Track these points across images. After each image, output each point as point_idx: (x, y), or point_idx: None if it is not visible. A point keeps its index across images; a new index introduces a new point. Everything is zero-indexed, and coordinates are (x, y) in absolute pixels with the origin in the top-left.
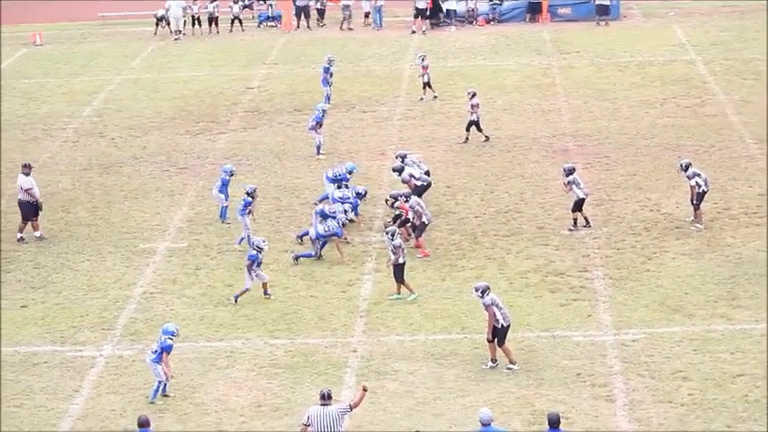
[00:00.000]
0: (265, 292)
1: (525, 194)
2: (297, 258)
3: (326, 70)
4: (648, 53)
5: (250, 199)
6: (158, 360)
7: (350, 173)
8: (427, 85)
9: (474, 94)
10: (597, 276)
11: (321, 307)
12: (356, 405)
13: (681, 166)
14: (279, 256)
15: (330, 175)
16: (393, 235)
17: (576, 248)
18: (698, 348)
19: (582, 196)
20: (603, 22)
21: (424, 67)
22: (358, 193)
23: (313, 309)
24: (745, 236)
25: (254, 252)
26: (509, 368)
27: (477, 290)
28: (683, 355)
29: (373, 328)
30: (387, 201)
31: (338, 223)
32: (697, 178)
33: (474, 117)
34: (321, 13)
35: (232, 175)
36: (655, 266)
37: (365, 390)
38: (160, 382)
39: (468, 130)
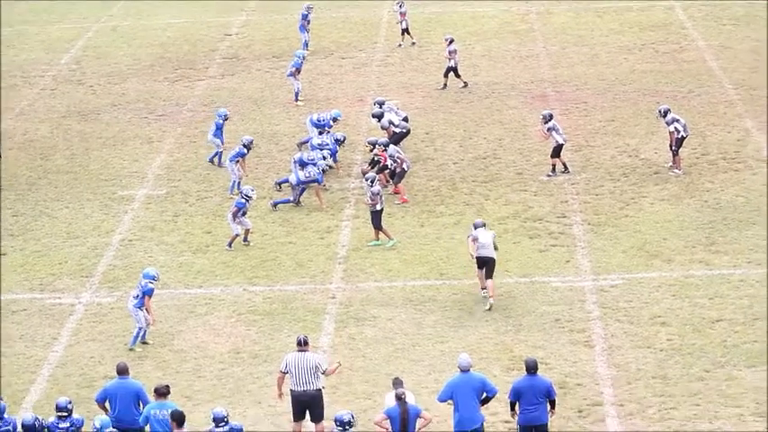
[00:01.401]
0: (245, 239)
1: (504, 140)
2: (275, 205)
3: (304, 17)
4: None
5: (245, 150)
6: (140, 305)
7: (334, 120)
8: (405, 31)
9: (451, 41)
10: (576, 222)
11: (300, 253)
12: (327, 374)
13: (659, 111)
14: (258, 203)
15: (314, 119)
16: (372, 181)
17: (554, 194)
18: (676, 294)
19: (561, 142)
20: None
21: (402, 14)
22: (336, 140)
23: (291, 255)
24: (723, 181)
25: (243, 200)
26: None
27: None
28: (661, 301)
29: (352, 274)
30: (366, 145)
31: (318, 169)
32: (676, 124)
33: (452, 63)
34: None
35: (226, 119)
36: (633, 212)
37: (339, 364)
38: (140, 329)
39: (446, 76)
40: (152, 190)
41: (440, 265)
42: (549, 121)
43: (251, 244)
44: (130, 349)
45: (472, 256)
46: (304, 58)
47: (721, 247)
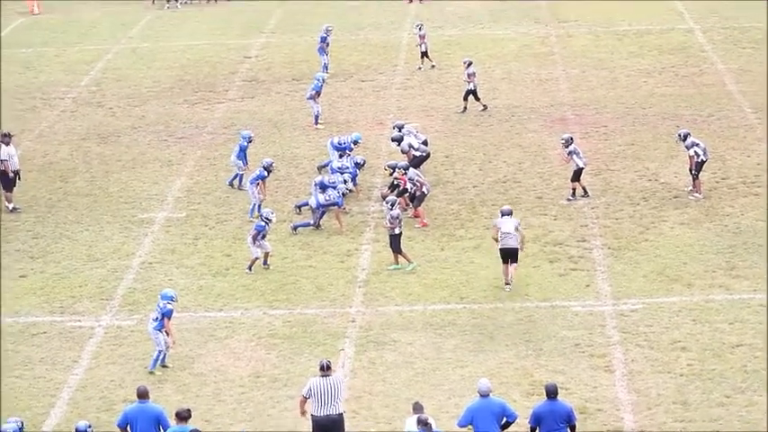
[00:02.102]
0: (264, 262)
1: (523, 164)
2: (295, 228)
3: (324, 39)
4: (646, 22)
5: (265, 173)
6: (160, 327)
7: (354, 143)
8: (425, 54)
9: (470, 63)
10: (596, 246)
11: (320, 277)
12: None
13: (679, 135)
14: (277, 226)
15: (335, 142)
16: (392, 205)
17: (574, 218)
18: (697, 318)
19: (581, 166)
20: None
21: (422, 37)
22: (356, 163)
23: (312, 279)
24: (743, 205)
25: (262, 223)
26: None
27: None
28: (681, 325)
29: (372, 298)
30: (385, 169)
31: (338, 193)
32: (696, 147)
33: (471, 86)
34: None
35: (250, 141)
36: (653, 236)
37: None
38: (160, 352)
39: (465, 99)
40: (172, 213)
41: (460, 289)
42: (570, 144)
43: (271, 267)
44: (150, 372)
45: (496, 241)
46: (324, 80)
47: (741, 271)
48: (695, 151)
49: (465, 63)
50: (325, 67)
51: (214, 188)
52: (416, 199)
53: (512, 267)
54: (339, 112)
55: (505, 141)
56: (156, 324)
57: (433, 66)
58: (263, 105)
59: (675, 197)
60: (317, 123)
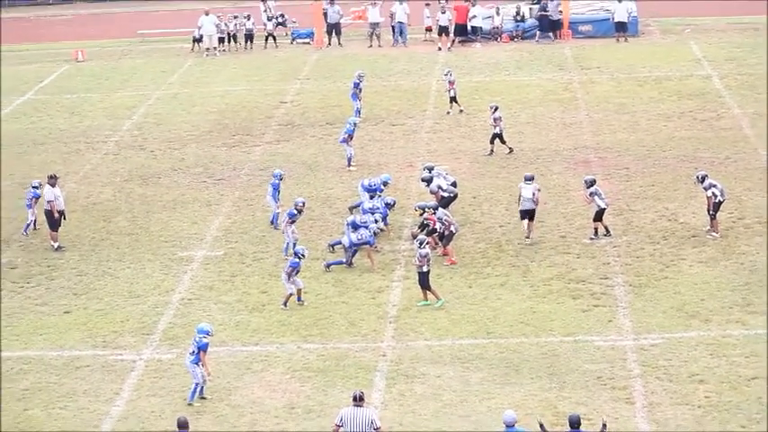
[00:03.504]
0: (299, 299)
1: (548, 204)
2: (329, 266)
3: (356, 85)
4: (666, 68)
5: (295, 212)
6: (197, 361)
7: (384, 184)
8: (453, 99)
9: (496, 108)
10: (617, 283)
11: (352, 313)
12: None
13: (697, 177)
14: (311, 263)
15: (366, 183)
16: (422, 243)
17: (596, 256)
18: (714, 352)
19: (603, 206)
20: (623, 39)
21: (451, 83)
22: (387, 204)
23: (344, 314)
24: (759, 244)
25: (297, 260)
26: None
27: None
28: (699, 359)
29: (402, 333)
30: (415, 210)
31: (370, 232)
32: (713, 189)
33: (497, 130)
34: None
35: (281, 179)
36: (672, 274)
37: None
38: (197, 384)
39: (492, 142)
40: (210, 251)
41: (487, 324)
42: (592, 186)
43: (305, 303)
44: (189, 404)
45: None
46: (356, 124)
47: (757, 307)
48: (713, 192)
49: (491, 108)
50: (358, 112)
51: (251, 227)
52: (445, 238)
53: (531, 224)
54: (371, 154)
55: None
56: (192, 358)
57: (461, 110)
58: (297, 148)
59: (694, 236)
60: (349, 165)
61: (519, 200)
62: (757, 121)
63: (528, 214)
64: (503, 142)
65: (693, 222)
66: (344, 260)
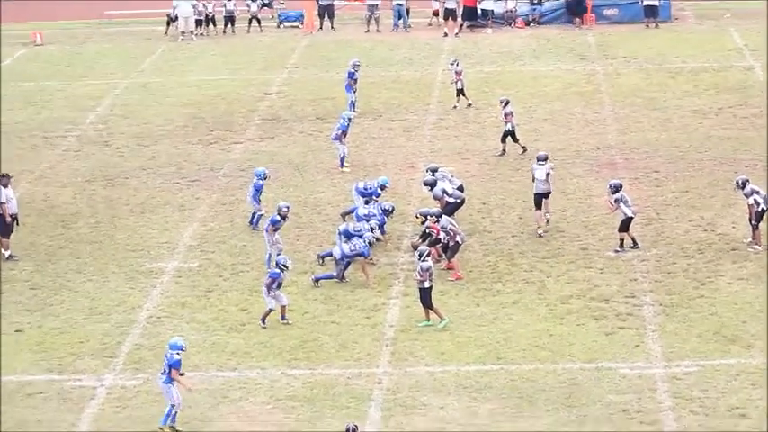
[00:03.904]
0: (282, 317)
1: (567, 212)
2: (317, 280)
3: (351, 75)
4: (702, 58)
5: (279, 218)
6: (169, 381)
7: (382, 188)
8: (461, 92)
9: (507, 102)
10: (646, 302)
11: (343, 334)
12: None
13: (737, 182)
14: (298, 277)
15: (361, 187)
16: (423, 255)
17: (622, 272)
18: (756, 382)
19: (629, 215)
20: (653, 25)
21: (458, 73)
22: (384, 210)
23: (334, 336)
24: None
25: (277, 271)
26: None
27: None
28: (740, 390)
29: (400, 357)
30: (416, 217)
31: (365, 242)
32: (755, 196)
33: (509, 127)
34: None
35: (265, 179)
36: (709, 292)
37: None
38: (173, 406)
39: (503, 141)
40: (183, 262)
41: (497, 348)
42: (618, 191)
43: (290, 323)
44: (160, 428)
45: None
46: (350, 120)
47: None
48: (755, 199)
49: (502, 102)
50: (353, 106)
51: (229, 236)
52: (450, 249)
53: (545, 210)
54: (367, 154)
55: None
56: (164, 378)
57: (469, 105)
58: (284, 146)
59: (733, 249)
60: (342, 166)
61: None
62: None
63: (542, 198)
64: (515, 141)
65: (733, 233)
66: (335, 274)
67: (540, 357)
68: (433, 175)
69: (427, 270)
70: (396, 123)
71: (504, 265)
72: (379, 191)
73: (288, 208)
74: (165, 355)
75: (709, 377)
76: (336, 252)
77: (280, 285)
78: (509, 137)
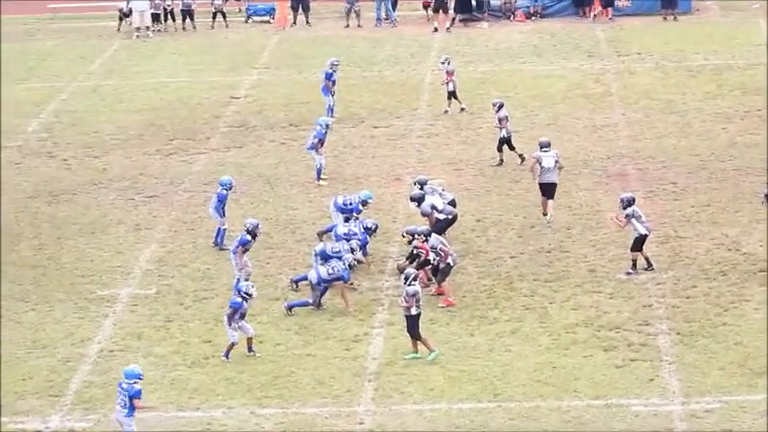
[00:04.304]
0: (249, 349)
1: (573, 230)
2: (290, 308)
3: (329, 76)
4: (727, 55)
5: (249, 238)
6: (132, 414)
7: (363, 203)
8: (453, 94)
9: (501, 105)
10: (661, 331)
11: (320, 368)
12: None
13: (766, 195)
14: (269, 305)
15: (340, 202)
16: (410, 279)
17: (635, 297)
18: None
19: (643, 232)
20: (671, 17)
21: (449, 73)
22: (367, 228)
23: (310, 370)
24: None
25: (239, 300)
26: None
27: None
28: None
29: (385, 394)
30: (403, 236)
31: (344, 264)
32: None
33: (504, 133)
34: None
35: (230, 189)
36: (733, 319)
37: None
38: None
39: (500, 149)
40: (139, 289)
41: (494, 383)
42: (630, 205)
43: (258, 355)
44: None
45: (534, 178)
46: (328, 126)
47: None
48: None
49: (495, 105)
50: (331, 111)
51: (191, 258)
52: (440, 272)
53: (550, 203)
54: (347, 165)
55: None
56: (126, 411)
57: (462, 109)
58: (253, 156)
59: (761, 271)
60: (319, 179)
61: (537, 169)
62: None
63: (551, 190)
64: (511, 149)
65: (760, 253)
66: (311, 300)
67: (543, 393)
68: (421, 188)
69: (414, 295)
70: (379, 130)
71: (501, 289)
72: (360, 207)
73: (258, 225)
74: (120, 385)
75: (734, 415)
76: (312, 276)
77: (243, 316)
78: (505, 144)
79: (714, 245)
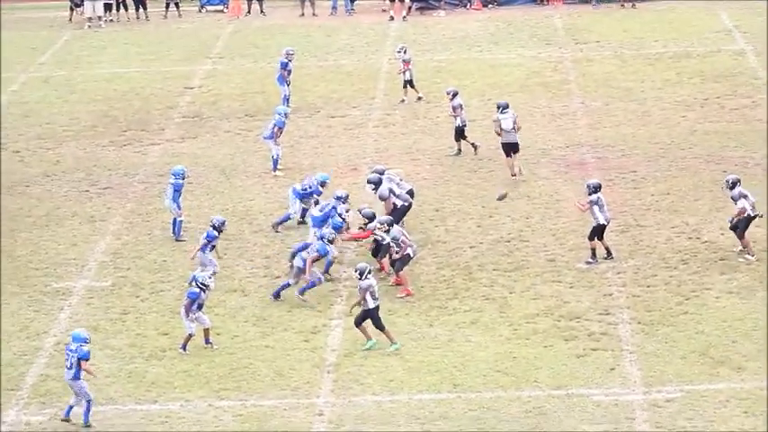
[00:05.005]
0: (207, 341)
1: (532, 219)
2: (300, 293)
3: (284, 66)
4: (685, 42)
5: (215, 233)
6: (78, 375)
7: (322, 185)
8: (409, 83)
9: (455, 94)
10: (622, 320)
11: (279, 360)
12: None
13: (727, 182)
14: (226, 297)
15: (299, 188)
16: (362, 274)
17: (595, 286)
18: (749, 409)
19: (602, 222)
20: (629, 4)
21: (406, 62)
22: (338, 197)
23: (269, 362)
24: None
25: (196, 290)
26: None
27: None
28: (730, 419)
29: (344, 385)
30: (363, 223)
31: (324, 241)
32: (743, 200)
33: (458, 122)
34: None
35: (184, 179)
36: (694, 308)
37: None
38: (89, 402)
39: (457, 139)
40: (94, 281)
41: (453, 374)
42: (596, 192)
43: (216, 347)
44: (86, 425)
45: (498, 134)
46: (287, 115)
47: None
48: (743, 205)
49: (449, 94)
50: (287, 100)
51: (147, 250)
52: (398, 261)
53: (516, 160)
54: (303, 155)
55: (510, 191)
56: (72, 373)
57: (419, 98)
58: (208, 147)
59: (722, 259)
60: (275, 169)
61: (499, 131)
62: None
63: (512, 148)
64: (463, 138)
65: (721, 241)
66: (291, 281)
67: (503, 384)
68: (380, 175)
69: (367, 289)
70: (336, 120)
71: (460, 279)
72: (320, 188)
73: (225, 222)
74: (68, 348)
75: (695, 404)
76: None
77: (201, 307)
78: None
79: (674, 233)
